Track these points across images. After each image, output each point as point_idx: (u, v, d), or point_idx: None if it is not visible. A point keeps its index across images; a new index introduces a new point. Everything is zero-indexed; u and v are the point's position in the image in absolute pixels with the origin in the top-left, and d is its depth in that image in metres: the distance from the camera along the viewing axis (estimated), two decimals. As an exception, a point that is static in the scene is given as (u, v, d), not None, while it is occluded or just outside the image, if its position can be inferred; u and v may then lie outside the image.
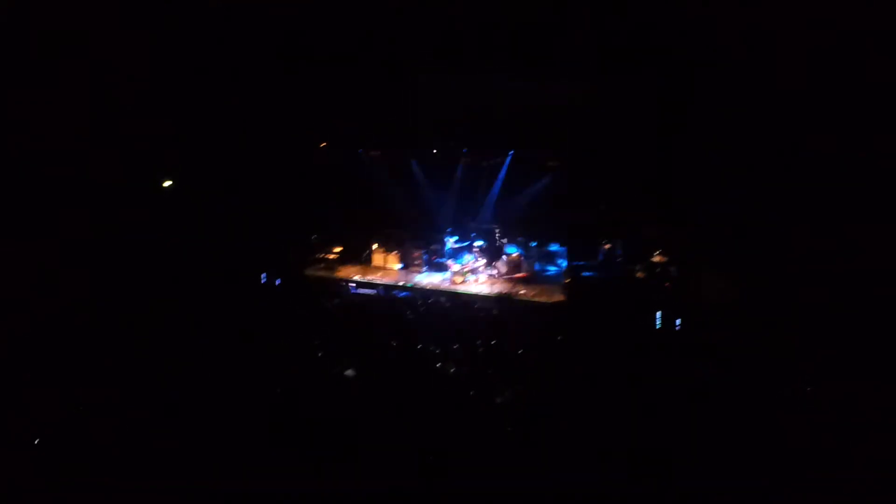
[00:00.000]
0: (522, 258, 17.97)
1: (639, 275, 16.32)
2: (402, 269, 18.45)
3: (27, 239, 12.67)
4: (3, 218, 12.58)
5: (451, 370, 10.90)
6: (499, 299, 16.41)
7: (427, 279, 17.73)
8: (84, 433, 8.21)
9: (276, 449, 8.18)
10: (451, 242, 18.66)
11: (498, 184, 19.51)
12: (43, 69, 13.23)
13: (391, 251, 18.71)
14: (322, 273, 18.39)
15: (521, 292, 16.75)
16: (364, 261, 18.90)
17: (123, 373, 9.83)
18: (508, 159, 19.18)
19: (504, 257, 18.02)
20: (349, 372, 10.44)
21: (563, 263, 18.33)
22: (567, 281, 16.65)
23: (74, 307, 11.99)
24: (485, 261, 17.99)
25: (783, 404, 9.42)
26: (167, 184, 17.10)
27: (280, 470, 7.80)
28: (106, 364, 10.01)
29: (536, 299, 16.39)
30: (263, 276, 17.26)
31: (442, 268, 18.12)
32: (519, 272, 17.71)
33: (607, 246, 17.52)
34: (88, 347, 10.48)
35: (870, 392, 9.17)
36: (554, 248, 19.00)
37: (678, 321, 14.12)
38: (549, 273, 18.47)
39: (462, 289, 17.06)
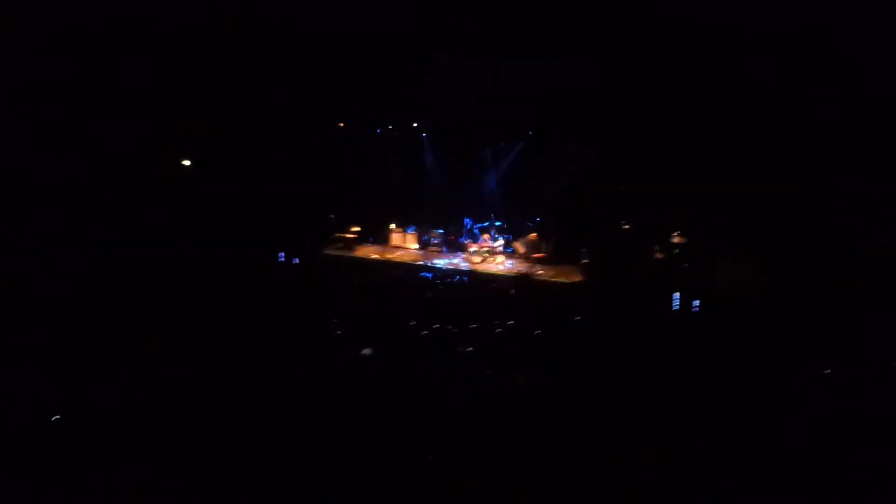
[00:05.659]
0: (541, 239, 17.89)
1: (658, 256, 16.23)
2: (420, 249, 18.45)
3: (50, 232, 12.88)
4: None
5: (469, 350, 10.91)
6: (517, 279, 16.44)
7: (446, 259, 17.75)
8: (92, 429, 8.21)
9: (285, 432, 8.18)
10: (469, 222, 18.62)
11: (514, 165, 19.39)
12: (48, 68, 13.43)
13: (410, 231, 18.71)
14: (340, 252, 18.45)
15: (540, 272, 16.73)
16: (382, 241, 18.94)
17: (135, 363, 9.81)
18: (520, 144, 19.06)
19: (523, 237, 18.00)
20: (366, 351, 10.45)
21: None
22: (585, 262, 16.57)
23: (91, 295, 12.07)
24: (503, 241, 17.97)
25: (788, 396, 9.32)
26: (186, 163, 17.25)
27: (291, 453, 7.82)
28: (119, 355, 10.00)
29: (555, 279, 16.39)
30: (281, 255, 17.36)
31: (461, 248, 18.10)
32: (538, 252, 17.64)
33: (626, 227, 17.45)
34: (101, 338, 10.50)
35: (872, 386, 9.10)
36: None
37: (696, 302, 14.05)
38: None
39: (481, 268, 17.07)
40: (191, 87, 15.91)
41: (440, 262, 17.42)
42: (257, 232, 16.37)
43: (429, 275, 16.80)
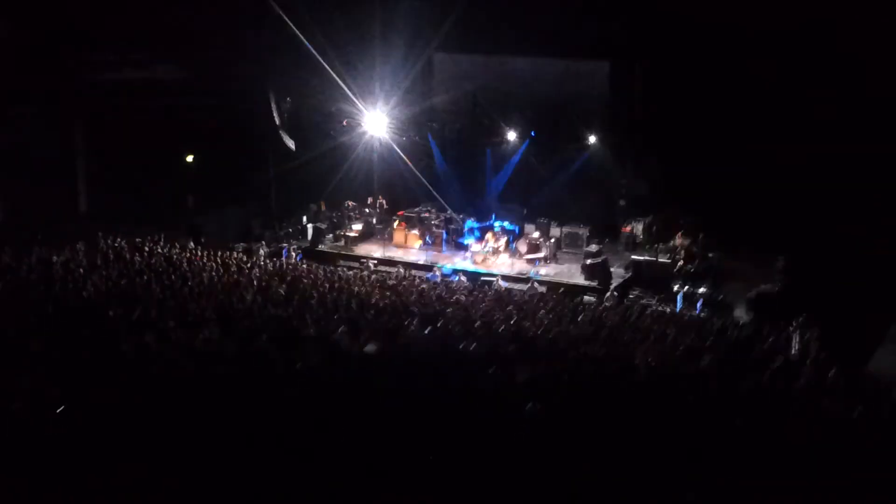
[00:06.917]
0: (541, 240, 17.84)
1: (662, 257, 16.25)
2: (422, 248, 18.40)
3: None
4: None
5: (472, 347, 10.85)
6: (519, 279, 16.39)
7: (448, 258, 17.68)
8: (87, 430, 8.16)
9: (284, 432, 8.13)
10: (471, 222, 18.59)
11: (511, 167, 19.41)
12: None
13: (412, 229, 18.68)
14: (342, 250, 18.43)
15: (542, 272, 16.71)
16: (385, 239, 18.93)
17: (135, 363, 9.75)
18: (527, 142, 19.02)
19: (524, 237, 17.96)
20: (369, 347, 10.39)
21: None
22: (587, 262, 16.54)
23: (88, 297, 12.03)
24: (505, 240, 17.93)
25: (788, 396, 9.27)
26: (189, 158, 17.30)
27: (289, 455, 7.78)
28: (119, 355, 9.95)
29: (556, 279, 16.35)
30: (285, 250, 17.39)
31: (462, 247, 18.04)
32: (539, 252, 17.63)
33: (627, 228, 17.50)
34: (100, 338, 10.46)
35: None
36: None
37: (699, 303, 14.07)
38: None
39: (483, 268, 17.02)
40: (191, 86, 15.93)
41: (443, 262, 17.33)
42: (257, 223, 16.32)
43: (435, 276, 16.64)
